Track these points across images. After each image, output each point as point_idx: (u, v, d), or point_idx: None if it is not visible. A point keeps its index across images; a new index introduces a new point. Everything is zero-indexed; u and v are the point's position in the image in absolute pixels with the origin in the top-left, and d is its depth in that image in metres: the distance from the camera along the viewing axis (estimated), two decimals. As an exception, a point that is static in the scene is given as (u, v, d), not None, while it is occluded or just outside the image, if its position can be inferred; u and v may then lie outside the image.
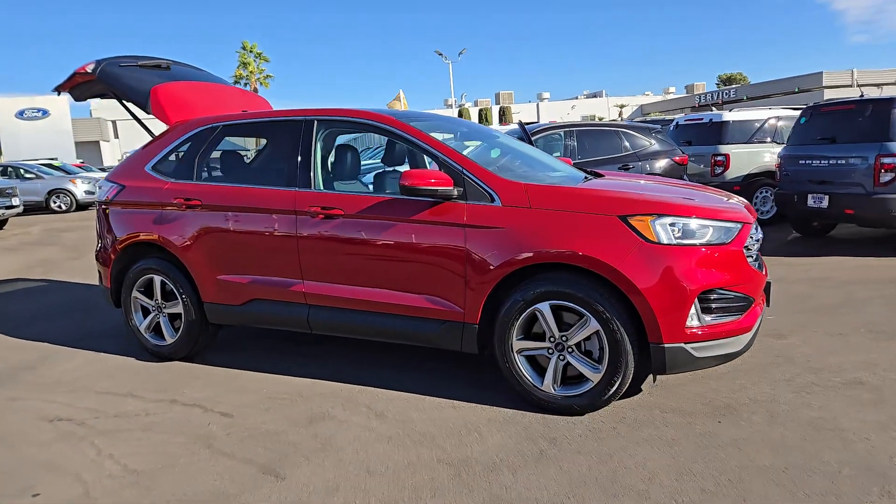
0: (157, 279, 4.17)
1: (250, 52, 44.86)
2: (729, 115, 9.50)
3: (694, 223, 2.96)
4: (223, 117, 4.19)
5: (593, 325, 2.98)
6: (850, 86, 39.53)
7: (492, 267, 3.13)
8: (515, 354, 3.18)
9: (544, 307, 3.07)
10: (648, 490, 2.45)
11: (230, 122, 4.17)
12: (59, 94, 4.96)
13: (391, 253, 3.42)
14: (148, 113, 4.54)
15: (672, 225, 2.94)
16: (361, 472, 2.70)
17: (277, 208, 3.72)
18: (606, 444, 2.82)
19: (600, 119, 49.54)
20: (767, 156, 8.93)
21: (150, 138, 4.50)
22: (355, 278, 3.56)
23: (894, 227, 6.67)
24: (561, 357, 3.10)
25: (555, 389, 3.12)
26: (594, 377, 3.03)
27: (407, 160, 4.26)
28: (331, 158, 4.00)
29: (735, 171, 8.93)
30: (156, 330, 4.31)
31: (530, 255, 3.05)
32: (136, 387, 3.84)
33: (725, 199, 3.53)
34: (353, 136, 8.16)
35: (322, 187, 3.70)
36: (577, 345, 3.06)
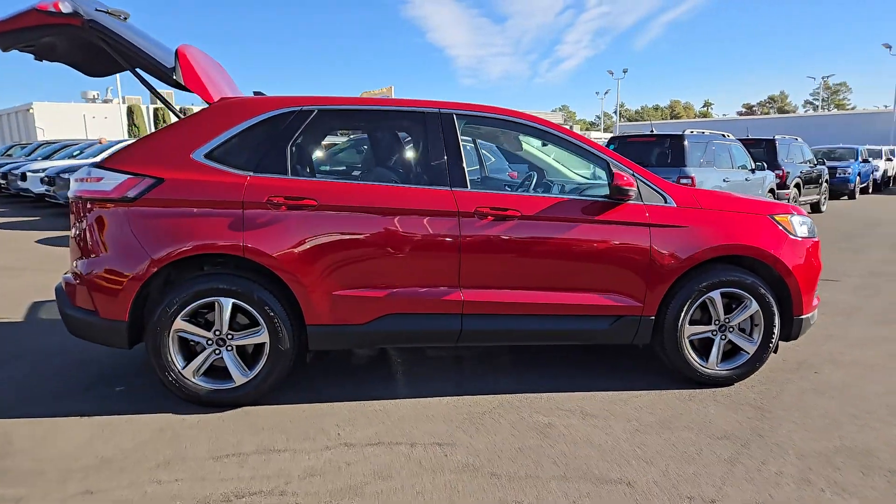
0: (226, 303, 3.19)
1: None
2: None
3: (809, 221, 3.82)
4: (316, 99, 3.44)
5: (754, 306, 3.57)
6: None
7: (676, 262, 3.46)
8: (686, 339, 3.56)
9: (715, 294, 3.54)
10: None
11: (330, 107, 3.45)
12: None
13: (571, 254, 3.42)
14: (167, 81, 3.40)
15: (802, 223, 3.74)
16: (675, 458, 2.77)
17: (434, 209, 3.31)
18: (788, 394, 3.45)
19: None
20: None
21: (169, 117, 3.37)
22: (523, 282, 3.43)
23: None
24: (723, 337, 3.61)
25: (717, 366, 3.62)
26: (750, 349, 3.63)
27: (480, 161, 4.16)
28: (475, 156, 3.68)
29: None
30: (209, 372, 3.28)
31: (712, 249, 3.49)
32: (290, 444, 2.93)
33: None
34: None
35: (474, 187, 3.43)
36: (738, 325, 3.62)
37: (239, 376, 3.28)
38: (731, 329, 3.61)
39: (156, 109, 34.77)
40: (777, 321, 3.61)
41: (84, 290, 3.22)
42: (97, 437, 2.99)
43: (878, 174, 21.36)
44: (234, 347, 3.28)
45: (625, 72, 47.94)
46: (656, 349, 3.65)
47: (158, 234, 3.14)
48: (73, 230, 3.33)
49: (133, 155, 3.29)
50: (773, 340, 3.63)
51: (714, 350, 3.61)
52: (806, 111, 74.83)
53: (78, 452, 2.84)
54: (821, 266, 3.77)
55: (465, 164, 3.41)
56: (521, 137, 3.95)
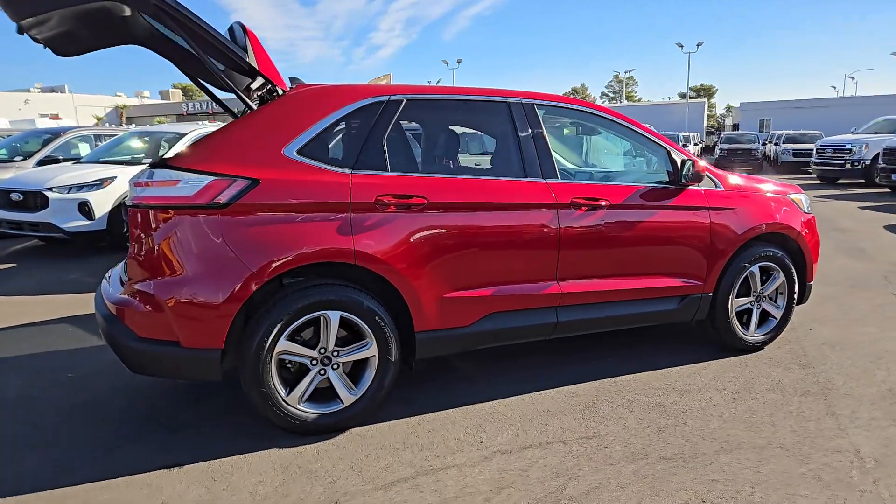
0: (334, 317, 2.86)
1: None
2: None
3: (807, 198, 4.36)
4: (404, 88, 3.16)
5: (781, 277, 4.03)
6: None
7: (730, 242, 3.77)
8: (734, 312, 3.92)
9: (755, 269, 3.94)
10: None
11: (420, 96, 3.18)
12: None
13: (650, 239, 3.57)
14: (234, 65, 2.91)
15: (806, 200, 4.26)
16: (789, 418, 3.06)
17: (535, 202, 3.25)
18: (811, 351, 3.95)
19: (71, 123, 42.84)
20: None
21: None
22: (611, 270, 3.52)
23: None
24: (758, 306, 4.03)
25: (755, 333, 4.03)
26: (777, 315, 4.09)
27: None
28: (557, 146, 3.60)
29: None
30: (312, 396, 2.93)
31: (757, 228, 3.85)
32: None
33: None
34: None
35: (563, 178, 3.42)
36: (768, 295, 4.06)
37: (347, 396, 2.96)
38: (764, 299, 4.04)
39: None
40: (796, 288, 4.11)
41: (159, 317, 2.67)
42: (216, 492, 2.53)
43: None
44: (341, 365, 2.95)
45: (459, 62, 49.48)
46: (707, 323, 3.96)
47: (260, 245, 2.70)
48: (136, 246, 2.74)
49: (210, 152, 2.78)
50: (793, 304, 4.13)
51: (753, 318, 4.01)
52: (603, 102, 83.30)
53: (212, 510, 2.38)
54: (819, 237, 4.36)
55: (553, 155, 3.39)
56: (585, 126, 4.00)
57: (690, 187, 3.71)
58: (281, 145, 2.84)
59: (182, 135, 9.09)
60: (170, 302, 2.65)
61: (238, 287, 2.66)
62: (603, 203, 3.42)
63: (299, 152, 2.86)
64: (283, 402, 2.83)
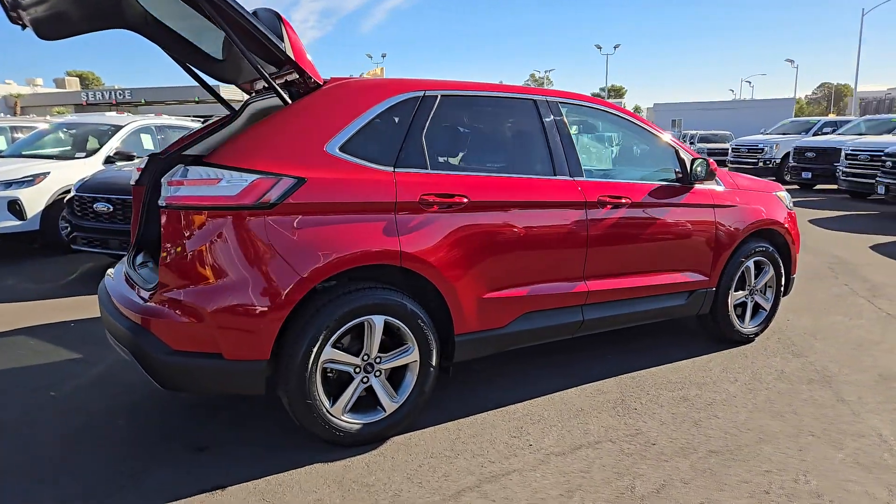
0: (378, 321, 2.73)
1: None
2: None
3: (789, 195, 4.59)
4: (439, 84, 3.05)
5: (771, 271, 4.24)
6: (241, 100, 44.11)
7: (732, 238, 3.92)
8: (732, 305, 4.08)
9: (750, 263, 4.12)
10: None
11: (454, 92, 3.07)
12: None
13: (665, 236, 3.65)
14: (266, 54, 2.69)
15: (788, 197, 4.49)
16: (807, 405, 3.22)
17: (567, 200, 3.23)
18: (798, 341, 4.19)
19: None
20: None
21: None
22: (631, 267, 3.57)
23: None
24: (751, 299, 4.22)
25: (749, 324, 4.22)
26: (767, 307, 4.30)
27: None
28: (579, 144, 3.57)
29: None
30: (355, 406, 2.78)
31: (754, 224, 4.02)
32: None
33: None
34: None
35: (587, 176, 3.42)
36: (759, 288, 4.25)
37: (389, 404, 2.83)
38: (756, 292, 4.24)
39: None
40: (783, 281, 4.34)
41: (199, 327, 2.44)
42: (272, 510, 2.34)
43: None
44: (383, 372, 2.82)
45: (383, 56, 49.04)
46: (709, 317, 4.09)
47: (308, 247, 2.52)
48: (169, 250, 2.48)
49: (249, 149, 2.56)
50: (780, 295, 4.35)
51: (748, 311, 4.20)
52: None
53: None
54: (799, 231, 4.62)
55: (578, 153, 3.39)
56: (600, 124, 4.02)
57: (698, 186, 3.82)
58: (323, 142, 2.66)
59: (117, 127, 8.42)
60: (212, 311, 2.42)
61: (286, 293, 2.48)
62: (624, 201, 3.45)
63: (342, 149, 2.69)
64: (328, 414, 2.67)
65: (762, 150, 17.15)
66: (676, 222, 3.69)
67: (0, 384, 3.52)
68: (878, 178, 10.36)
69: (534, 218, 3.14)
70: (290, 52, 2.66)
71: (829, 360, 3.92)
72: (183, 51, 3.53)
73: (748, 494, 2.46)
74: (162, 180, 2.49)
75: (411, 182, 2.79)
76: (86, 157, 7.79)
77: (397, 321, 2.78)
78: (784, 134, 18.08)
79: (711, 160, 3.78)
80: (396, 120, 2.90)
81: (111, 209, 5.84)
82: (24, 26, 3.04)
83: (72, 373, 3.68)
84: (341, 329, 2.65)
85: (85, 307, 5.02)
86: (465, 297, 2.94)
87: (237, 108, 3.72)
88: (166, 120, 9.53)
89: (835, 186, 13.26)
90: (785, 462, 2.71)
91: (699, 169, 3.70)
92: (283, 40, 2.64)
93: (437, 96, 3.02)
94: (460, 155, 3.16)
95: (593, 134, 3.89)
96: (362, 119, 2.78)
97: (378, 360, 2.79)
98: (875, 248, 7.61)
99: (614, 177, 3.55)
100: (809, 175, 14.34)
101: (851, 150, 12.09)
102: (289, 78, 3.02)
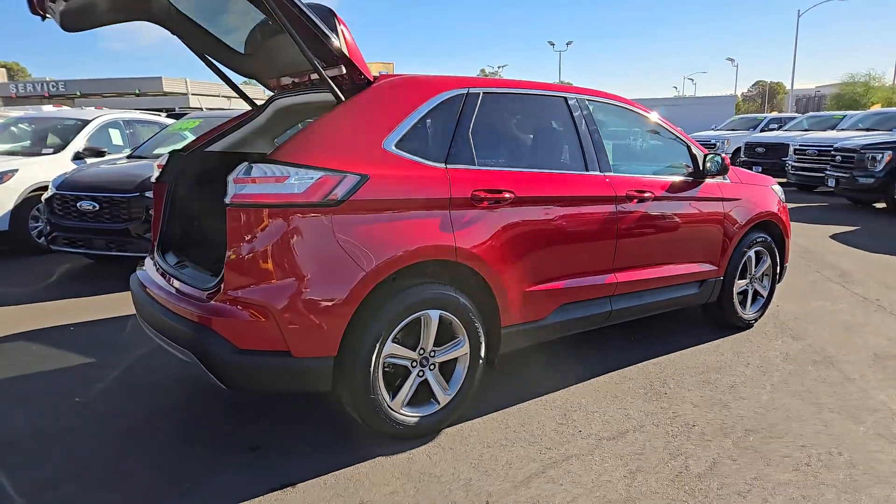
0: (434, 315, 2.78)
1: None
2: None
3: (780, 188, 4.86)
4: (481, 81, 3.11)
5: (768, 260, 4.49)
6: (185, 93, 42.66)
7: (738, 230, 4.14)
8: (736, 293, 4.30)
9: (751, 253, 4.35)
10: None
11: (496, 90, 3.13)
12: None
13: (683, 229, 3.82)
14: (319, 50, 2.68)
15: (781, 190, 4.75)
16: (824, 385, 3.45)
17: (601, 195, 3.35)
18: (790, 323, 4.46)
19: None
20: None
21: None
22: (652, 259, 3.72)
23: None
24: (751, 286, 4.46)
25: (750, 310, 4.46)
26: (765, 294, 4.55)
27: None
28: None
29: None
30: (411, 400, 2.83)
31: (757, 216, 4.25)
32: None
33: None
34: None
35: (615, 171, 3.54)
36: (759, 276, 4.49)
37: (443, 396, 2.89)
38: (755, 280, 4.48)
39: None
40: (779, 269, 4.60)
41: (266, 326, 2.43)
42: (350, 505, 2.36)
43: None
44: (437, 365, 2.87)
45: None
46: (715, 305, 4.30)
47: (372, 244, 2.54)
48: (235, 248, 2.44)
49: (310, 146, 2.55)
50: (775, 285, 4.61)
51: (749, 298, 4.44)
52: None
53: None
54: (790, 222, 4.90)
55: (606, 149, 3.51)
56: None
57: (709, 180, 4.01)
58: (380, 138, 2.68)
59: (84, 122, 8.07)
60: (281, 308, 2.42)
61: (353, 289, 2.49)
62: (647, 195, 3.60)
63: (397, 146, 2.72)
64: (389, 409, 2.70)
65: (714, 145, 17.85)
66: (692, 215, 3.87)
67: (19, 391, 3.39)
68: (827, 172, 11.00)
69: (572, 212, 3.24)
70: (345, 50, 2.66)
71: (825, 342, 4.19)
72: (204, 43, 3.47)
73: (793, 468, 2.64)
74: (228, 178, 2.45)
75: (463, 178, 2.84)
76: (53, 153, 7.45)
77: (451, 315, 2.83)
78: (733, 130, 18.91)
79: (725, 156, 3.97)
80: (445, 117, 2.94)
81: (97, 208, 5.62)
82: (43, 17, 2.93)
83: (91, 377, 3.56)
84: (401, 324, 2.68)
85: (75, 310, 4.84)
86: (511, 291, 3.02)
87: (260, 105, 3.68)
88: (134, 114, 9.20)
89: (783, 180, 13.98)
90: (815, 437, 2.90)
91: (712, 165, 3.88)
92: (338, 37, 2.64)
93: (479, 94, 3.08)
94: (503, 151, 3.22)
95: (615, 129, 4.01)
96: (414, 116, 2.81)
97: (433, 353, 2.84)
98: (835, 237, 8.09)
99: (636, 172, 3.69)
100: (760, 169, 15.02)
101: (800, 146, 12.78)
102: (329, 74, 3.01)
